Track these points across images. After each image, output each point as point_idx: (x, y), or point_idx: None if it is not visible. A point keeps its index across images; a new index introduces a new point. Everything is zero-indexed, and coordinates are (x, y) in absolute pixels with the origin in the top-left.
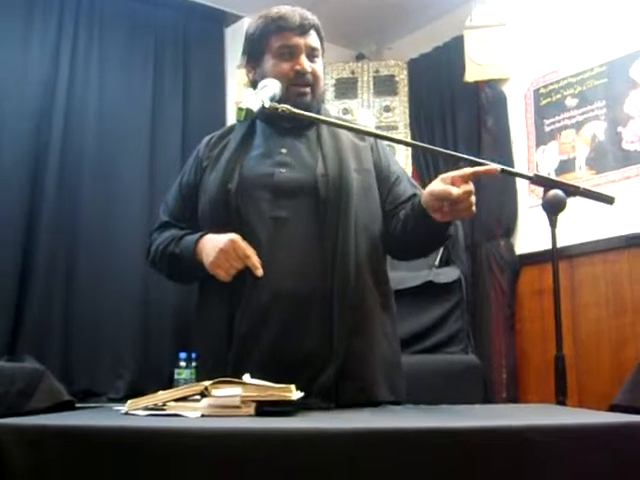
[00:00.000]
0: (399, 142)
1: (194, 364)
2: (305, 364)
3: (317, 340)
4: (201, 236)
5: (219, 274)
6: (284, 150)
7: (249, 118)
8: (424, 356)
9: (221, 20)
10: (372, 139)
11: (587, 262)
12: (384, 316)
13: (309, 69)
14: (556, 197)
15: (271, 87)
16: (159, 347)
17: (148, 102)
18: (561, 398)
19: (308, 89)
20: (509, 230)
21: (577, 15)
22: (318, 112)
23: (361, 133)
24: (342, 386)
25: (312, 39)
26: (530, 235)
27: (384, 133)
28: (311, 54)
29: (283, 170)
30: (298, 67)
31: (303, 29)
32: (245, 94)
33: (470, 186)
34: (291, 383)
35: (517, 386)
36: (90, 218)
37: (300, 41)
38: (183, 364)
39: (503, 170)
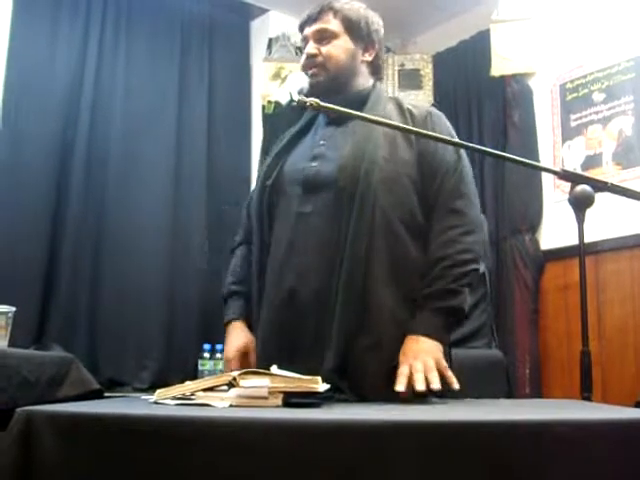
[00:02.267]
0: (420, 134)
1: (218, 355)
2: (303, 362)
3: (319, 337)
4: (228, 321)
5: None
6: (323, 142)
7: (278, 111)
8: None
9: (247, 13)
10: (419, 124)
11: (612, 258)
12: (401, 311)
13: (313, 51)
14: (584, 192)
15: (299, 80)
16: (183, 338)
17: (174, 95)
18: (587, 394)
19: (316, 69)
20: (534, 225)
21: (604, 9)
22: (351, 89)
23: (384, 125)
24: (342, 384)
25: (322, 22)
26: (555, 230)
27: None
28: (320, 38)
29: (314, 164)
30: (304, 55)
31: (313, 17)
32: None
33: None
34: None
35: (540, 382)
36: (116, 211)
37: (308, 30)
38: (207, 355)
39: (531, 165)
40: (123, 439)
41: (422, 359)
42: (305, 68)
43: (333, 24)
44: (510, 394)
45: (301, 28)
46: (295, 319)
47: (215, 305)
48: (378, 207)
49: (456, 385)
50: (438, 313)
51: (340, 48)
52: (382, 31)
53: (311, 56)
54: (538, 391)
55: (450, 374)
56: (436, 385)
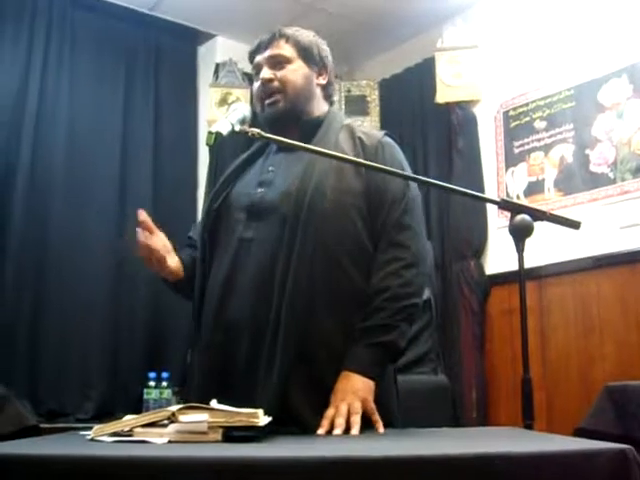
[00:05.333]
0: (366, 167)
1: (163, 384)
2: (249, 392)
3: (253, 369)
4: None
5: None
6: (271, 168)
7: (219, 142)
8: None
9: (194, 38)
10: (369, 155)
11: (556, 283)
12: (342, 343)
13: (269, 75)
14: (523, 222)
15: (240, 110)
16: (128, 367)
17: (119, 120)
18: (528, 422)
19: (276, 97)
20: (479, 250)
21: (546, 39)
22: (307, 115)
23: (329, 157)
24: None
25: (275, 49)
26: (500, 255)
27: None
28: (275, 62)
29: (260, 190)
30: (259, 81)
31: (265, 44)
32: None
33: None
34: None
35: (487, 406)
36: (59, 236)
37: (261, 57)
38: (152, 384)
39: (473, 196)
40: None
41: (348, 401)
42: (261, 96)
43: (286, 49)
44: (456, 419)
45: (252, 56)
46: (231, 348)
47: (160, 332)
48: (321, 236)
49: (381, 429)
50: (371, 348)
51: (296, 72)
52: (331, 59)
53: (267, 81)
54: (484, 415)
55: (376, 417)
56: (355, 431)
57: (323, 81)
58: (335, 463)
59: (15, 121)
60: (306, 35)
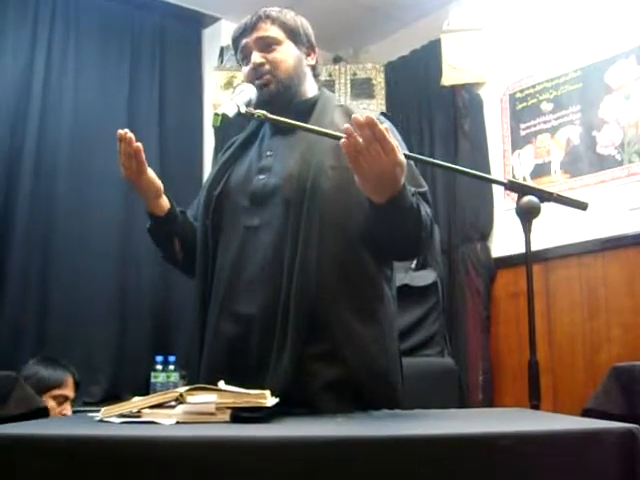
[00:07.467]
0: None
1: (171, 367)
2: (260, 375)
3: (264, 354)
4: None
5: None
6: (269, 152)
7: (225, 124)
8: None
9: (199, 21)
10: None
11: (562, 265)
12: (354, 323)
13: (260, 60)
14: (530, 203)
15: (247, 92)
16: (135, 351)
17: (124, 104)
18: (535, 403)
19: (267, 77)
20: (485, 233)
21: (553, 20)
22: (300, 96)
23: (329, 137)
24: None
25: (262, 31)
26: (506, 238)
27: None
28: (264, 45)
29: (262, 176)
30: (250, 65)
31: (251, 27)
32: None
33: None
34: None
35: (493, 388)
36: (65, 221)
37: (249, 40)
38: (159, 367)
39: (479, 176)
40: (64, 460)
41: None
42: (251, 79)
43: (273, 31)
44: (462, 402)
45: (237, 40)
46: (241, 334)
47: (167, 316)
48: (327, 217)
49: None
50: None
51: (286, 53)
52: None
53: (258, 65)
54: (491, 397)
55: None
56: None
57: (312, 61)
58: (340, 443)
59: (20, 106)
60: (290, 16)
